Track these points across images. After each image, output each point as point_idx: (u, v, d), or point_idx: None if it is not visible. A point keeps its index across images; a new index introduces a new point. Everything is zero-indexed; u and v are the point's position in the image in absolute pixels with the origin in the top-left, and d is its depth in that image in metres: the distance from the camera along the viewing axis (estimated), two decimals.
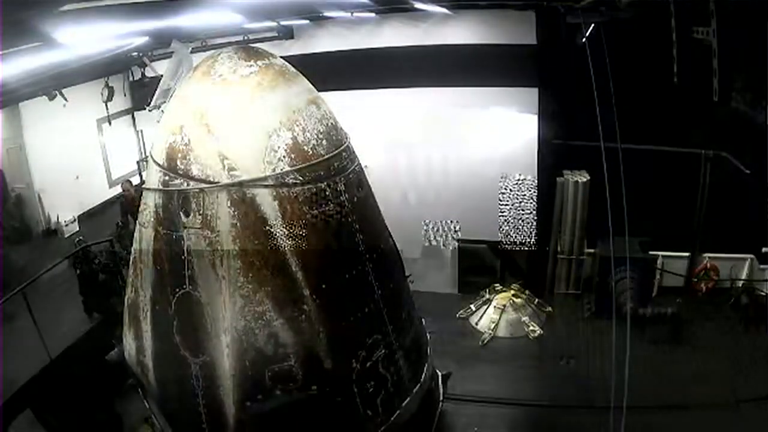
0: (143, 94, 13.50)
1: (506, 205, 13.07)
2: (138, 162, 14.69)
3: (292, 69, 4.66)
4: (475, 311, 11.34)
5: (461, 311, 11.41)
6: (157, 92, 9.33)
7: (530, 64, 12.27)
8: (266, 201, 4.21)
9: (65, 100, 11.49)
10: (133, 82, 14.85)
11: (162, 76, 9.40)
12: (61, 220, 12.85)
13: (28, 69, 6.80)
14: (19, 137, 12.26)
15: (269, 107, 4.27)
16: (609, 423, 4.14)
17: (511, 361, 10.05)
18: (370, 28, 13.12)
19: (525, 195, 13.03)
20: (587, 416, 7.63)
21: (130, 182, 12.29)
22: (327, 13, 12.08)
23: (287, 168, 4.21)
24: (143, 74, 13.97)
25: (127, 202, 11.45)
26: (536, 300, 11.52)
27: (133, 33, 7.31)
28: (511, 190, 13.03)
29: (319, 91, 4.77)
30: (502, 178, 12.93)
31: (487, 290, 11.79)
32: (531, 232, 13.26)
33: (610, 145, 5.08)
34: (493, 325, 10.74)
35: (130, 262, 4.97)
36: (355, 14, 12.36)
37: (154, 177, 4.48)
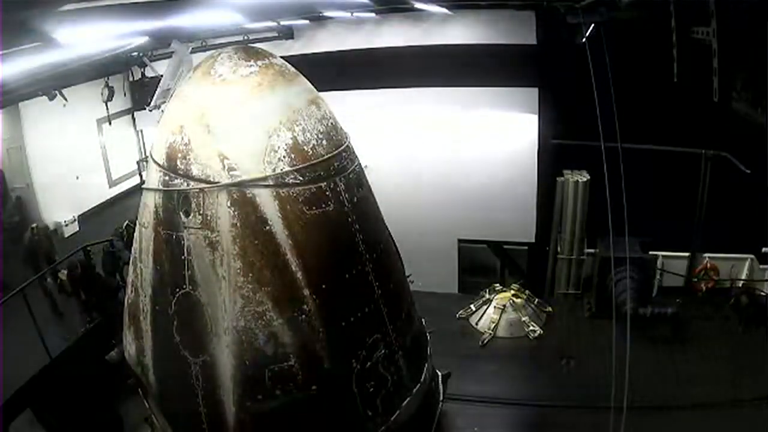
0: (143, 94, 13.52)
1: (506, 205, 13.07)
2: (138, 162, 14.71)
3: (292, 69, 4.66)
4: (475, 311, 11.33)
5: (461, 311, 11.41)
6: (157, 92, 9.33)
7: (530, 64, 12.28)
8: (266, 201, 4.20)
9: (65, 100, 11.49)
10: (133, 82, 14.85)
11: (162, 76, 9.40)
12: (61, 220, 12.85)
13: (28, 69, 6.79)
14: (19, 137, 12.28)
15: (269, 107, 4.26)
16: (609, 423, 4.14)
17: (511, 361, 10.05)
18: (370, 28, 13.13)
19: (525, 195, 13.04)
20: (587, 416, 7.64)
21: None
22: (327, 13, 12.08)
23: (287, 168, 4.21)
24: (143, 74, 13.97)
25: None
26: (536, 300, 11.51)
27: (133, 33, 7.31)
28: (511, 190, 13.04)
29: (319, 91, 4.77)
30: (502, 178, 12.95)
31: (487, 290, 11.78)
32: (531, 233, 13.27)
33: (610, 145, 5.09)
34: (493, 325, 10.73)
35: (130, 262, 4.97)
36: (355, 14, 12.37)
37: (154, 177, 4.48)
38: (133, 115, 15.69)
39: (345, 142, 4.70)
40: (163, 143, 4.39)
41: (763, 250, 11.20)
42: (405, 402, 5.01)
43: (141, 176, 13.89)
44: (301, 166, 4.25)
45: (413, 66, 12.84)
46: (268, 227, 4.21)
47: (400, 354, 5.00)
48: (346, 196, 4.53)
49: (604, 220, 5.08)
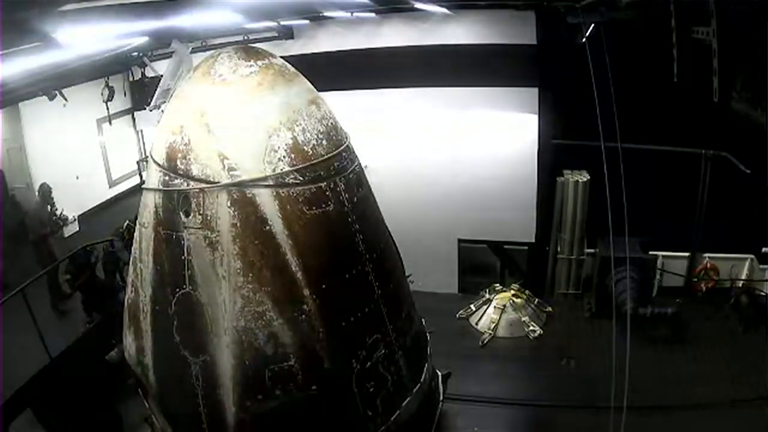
0: (143, 94, 13.53)
1: (506, 205, 13.06)
2: (138, 162, 14.70)
3: (292, 69, 4.66)
4: (475, 311, 11.33)
5: (461, 311, 11.41)
6: (157, 92, 9.35)
7: (530, 64, 12.28)
8: (266, 201, 4.21)
9: (65, 100, 11.50)
10: (133, 82, 14.85)
11: (162, 76, 9.42)
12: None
13: (28, 69, 6.80)
14: (19, 137, 12.26)
15: (269, 107, 4.27)
16: (609, 423, 4.13)
17: (511, 361, 10.04)
18: (370, 28, 13.12)
19: (525, 195, 13.04)
20: (587, 416, 7.64)
21: None
22: (327, 13, 12.08)
23: (287, 168, 4.21)
24: (143, 74, 13.98)
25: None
26: (536, 300, 11.51)
27: (133, 33, 7.32)
28: (511, 190, 13.03)
29: (319, 91, 4.77)
30: (502, 178, 12.95)
31: (487, 290, 11.78)
32: (531, 233, 13.26)
33: (610, 145, 5.08)
34: (493, 325, 10.73)
35: (130, 262, 4.97)
36: (355, 14, 12.37)
37: (154, 177, 4.48)
38: (133, 115, 15.67)
39: (345, 142, 4.70)
40: (163, 143, 4.39)
41: (763, 250, 11.19)
42: (405, 402, 5.01)
43: (141, 176, 13.88)
44: (301, 166, 4.26)
45: (413, 66, 12.83)
46: (268, 227, 4.21)
47: (400, 354, 5.00)
48: (346, 196, 4.54)
49: (604, 220, 5.08)
